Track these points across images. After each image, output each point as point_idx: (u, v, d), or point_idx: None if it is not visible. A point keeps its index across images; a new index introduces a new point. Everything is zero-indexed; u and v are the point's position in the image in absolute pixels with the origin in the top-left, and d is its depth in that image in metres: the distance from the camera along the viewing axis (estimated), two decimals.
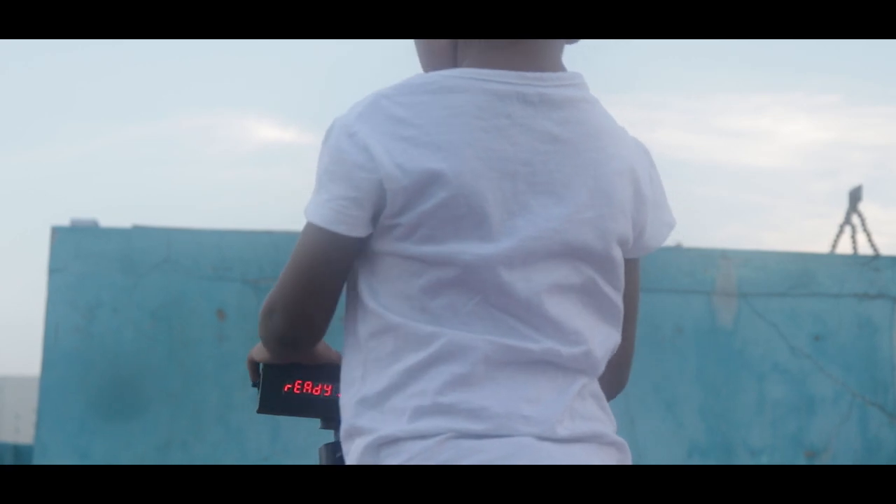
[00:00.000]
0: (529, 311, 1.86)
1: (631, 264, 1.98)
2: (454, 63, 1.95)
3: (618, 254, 1.93)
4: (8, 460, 8.72)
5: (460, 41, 1.95)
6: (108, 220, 7.00)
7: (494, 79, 1.88)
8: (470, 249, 1.84)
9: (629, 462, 1.86)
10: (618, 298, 1.94)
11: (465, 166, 1.84)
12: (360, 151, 1.86)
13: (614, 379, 2.01)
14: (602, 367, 1.92)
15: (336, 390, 2.04)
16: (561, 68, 1.94)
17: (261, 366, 2.10)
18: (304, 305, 1.90)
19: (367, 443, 1.83)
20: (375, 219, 1.87)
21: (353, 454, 1.85)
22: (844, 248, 8.13)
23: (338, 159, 1.88)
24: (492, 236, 1.85)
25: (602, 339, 1.92)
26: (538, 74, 1.90)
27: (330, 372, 2.05)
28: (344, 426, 1.88)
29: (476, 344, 1.83)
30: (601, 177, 1.90)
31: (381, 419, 1.83)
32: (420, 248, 1.85)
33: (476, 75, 1.89)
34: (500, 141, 1.86)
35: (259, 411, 2.07)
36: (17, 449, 8.87)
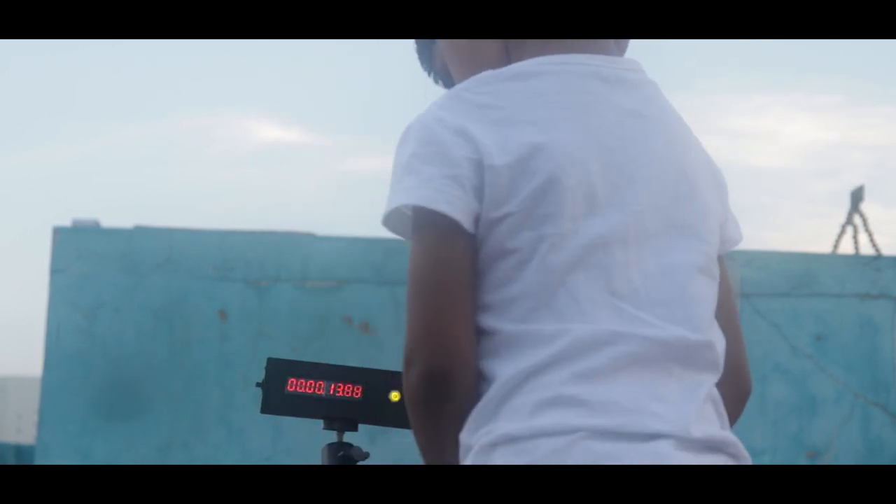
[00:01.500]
0: (650, 296, 1.71)
1: (720, 258, 1.84)
2: (505, 66, 1.84)
3: (717, 237, 1.81)
4: (10, 460, 8.72)
5: (511, 43, 1.87)
6: (109, 221, 7.01)
7: (569, 61, 1.80)
8: (585, 228, 1.70)
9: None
10: (717, 288, 1.80)
11: (565, 137, 1.72)
12: (453, 133, 1.72)
13: (737, 383, 1.84)
14: (722, 364, 1.77)
15: (338, 390, 2.04)
16: (620, 55, 1.88)
17: (265, 365, 2.10)
18: (441, 324, 1.68)
19: (481, 443, 1.65)
20: (476, 215, 1.71)
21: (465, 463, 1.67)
22: (846, 248, 8.13)
23: (428, 141, 1.73)
24: (602, 210, 1.71)
25: (717, 333, 1.77)
26: (607, 58, 1.83)
27: (333, 372, 2.05)
28: (460, 448, 1.70)
29: (603, 337, 1.66)
30: (691, 155, 1.81)
31: (496, 420, 1.65)
32: (534, 232, 1.69)
33: (548, 60, 1.80)
34: (590, 115, 1.76)
35: (263, 411, 2.07)
36: (19, 449, 8.86)
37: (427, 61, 2.07)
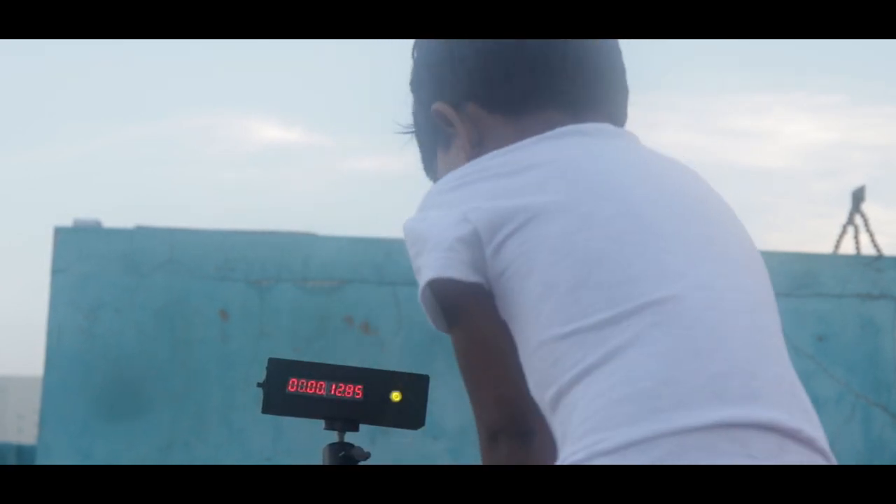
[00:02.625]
0: None
1: None
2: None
3: None
4: (11, 461, 8.72)
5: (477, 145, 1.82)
6: (111, 221, 7.01)
7: (542, 131, 1.76)
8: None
9: None
10: None
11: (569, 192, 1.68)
12: (446, 214, 1.69)
13: None
14: None
15: (339, 390, 2.04)
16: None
17: (266, 365, 2.10)
18: (503, 382, 1.66)
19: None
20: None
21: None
22: (847, 248, 8.13)
23: (422, 230, 1.69)
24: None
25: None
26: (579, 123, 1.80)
27: (334, 372, 2.05)
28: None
29: None
30: (711, 197, 1.77)
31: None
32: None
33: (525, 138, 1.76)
34: (593, 163, 1.72)
35: (264, 411, 2.08)
36: (21, 449, 8.86)
37: (432, 173, 1.99)
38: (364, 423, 2.04)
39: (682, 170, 1.80)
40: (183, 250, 6.85)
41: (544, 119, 1.80)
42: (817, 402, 7.09)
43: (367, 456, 2.02)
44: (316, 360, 2.12)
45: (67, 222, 6.93)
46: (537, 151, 1.74)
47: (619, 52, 1.88)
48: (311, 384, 2.05)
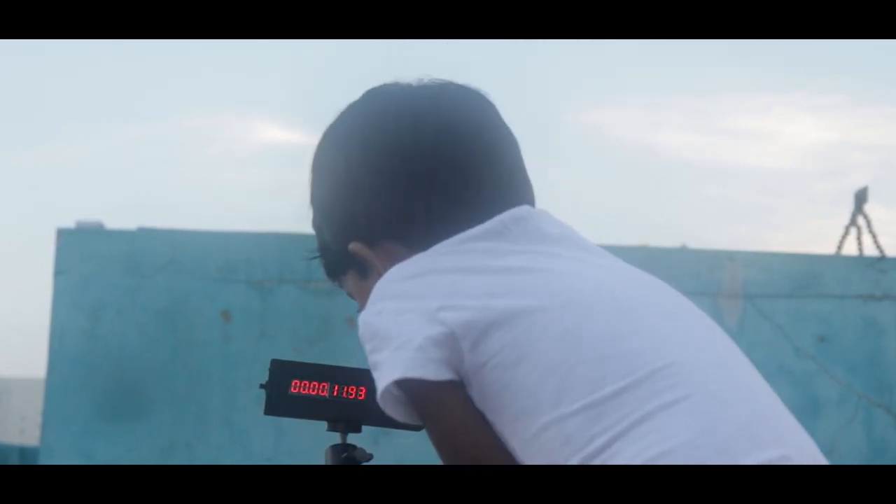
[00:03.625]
0: None
1: None
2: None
3: None
4: (13, 462, 8.73)
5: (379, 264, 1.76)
6: (113, 222, 7.02)
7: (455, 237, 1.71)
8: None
9: None
10: None
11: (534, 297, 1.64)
12: (408, 308, 1.65)
13: None
14: None
15: (342, 392, 2.04)
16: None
17: (268, 366, 2.10)
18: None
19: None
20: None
21: None
22: (850, 249, 8.12)
23: (383, 326, 1.64)
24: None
25: None
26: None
27: (336, 374, 2.05)
28: None
29: None
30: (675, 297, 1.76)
31: None
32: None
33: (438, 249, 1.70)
34: (554, 260, 1.69)
35: (266, 413, 2.07)
36: (23, 451, 8.87)
37: (338, 282, 1.92)
38: (367, 424, 2.04)
39: (615, 259, 1.79)
40: (185, 251, 6.85)
41: (461, 244, 1.73)
42: (819, 403, 7.06)
43: (370, 457, 2.02)
44: (318, 361, 2.12)
45: (69, 224, 6.94)
46: (493, 248, 1.70)
47: (517, 146, 1.82)
48: (314, 385, 2.05)
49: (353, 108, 1.86)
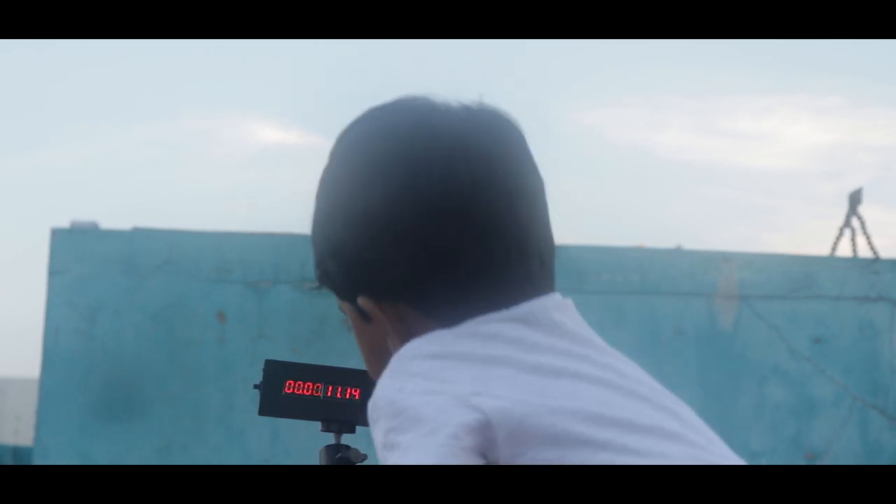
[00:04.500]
0: None
1: None
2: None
3: None
4: (7, 462, 8.72)
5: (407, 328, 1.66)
6: (108, 223, 7.01)
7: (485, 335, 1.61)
8: None
9: None
10: None
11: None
12: (435, 388, 1.55)
13: None
14: None
15: (336, 392, 2.04)
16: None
17: (263, 366, 2.10)
18: None
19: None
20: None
21: None
22: (844, 250, 8.14)
23: (409, 404, 1.56)
24: None
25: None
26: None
27: (331, 374, 2.05)
28: None
29: None
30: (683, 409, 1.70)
31: None
32: None
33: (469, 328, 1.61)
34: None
35: (260, 413, 2.07)
36: (17, 451, 8.87)
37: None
38: (361, 424, 2.04)
39: (630, 364, 1.76)
40: (181, 252, 6.85)
41: (486, 325, 1.64)
42: (814, 404, 7.05)
43: (364, 458, 2.02)
44: (313, 361, 2.12)
45: (65, 224, 6.93)
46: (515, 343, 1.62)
47: (545, 201, 1.71)
48: (308, 386, 2.05)
49: (377, 124, 1.69)
